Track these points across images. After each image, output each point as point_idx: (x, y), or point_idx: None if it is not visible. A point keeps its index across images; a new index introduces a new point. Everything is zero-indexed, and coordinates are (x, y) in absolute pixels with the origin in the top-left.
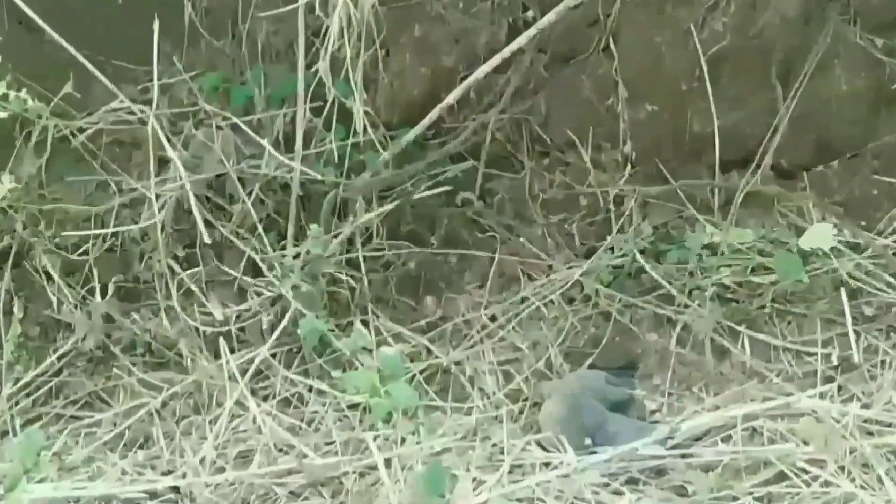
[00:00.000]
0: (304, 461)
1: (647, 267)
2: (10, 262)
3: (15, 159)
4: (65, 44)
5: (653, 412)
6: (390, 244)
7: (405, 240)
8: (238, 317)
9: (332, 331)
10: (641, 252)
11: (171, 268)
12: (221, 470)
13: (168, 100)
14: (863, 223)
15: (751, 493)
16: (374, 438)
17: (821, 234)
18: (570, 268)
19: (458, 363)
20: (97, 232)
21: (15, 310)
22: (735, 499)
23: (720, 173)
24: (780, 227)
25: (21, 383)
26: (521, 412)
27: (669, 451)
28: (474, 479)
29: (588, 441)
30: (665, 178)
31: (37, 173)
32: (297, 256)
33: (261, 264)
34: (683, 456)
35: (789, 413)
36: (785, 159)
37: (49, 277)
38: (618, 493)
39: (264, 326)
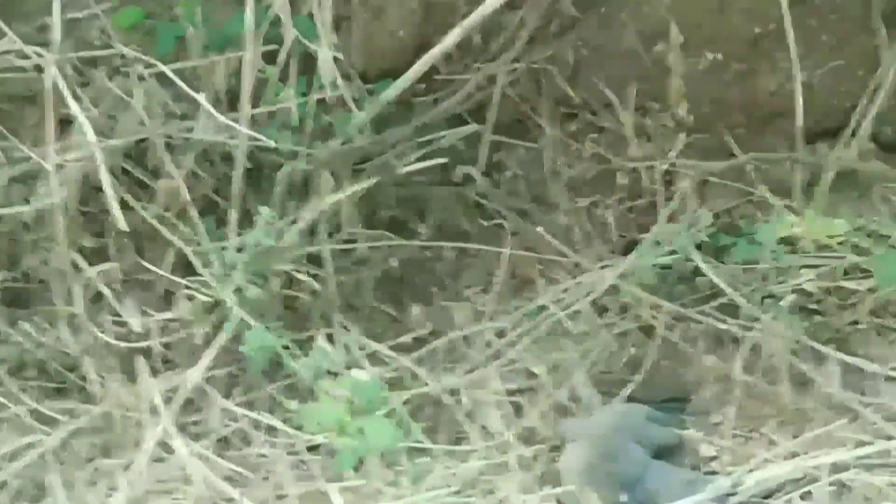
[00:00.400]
0: None
1: (705, 268)
2: None
3: None
4: None
5: (709, 460)
6: (366, 235)
7: (386, 229)
8: (163, 329)
9: (288, 348)
10: (698, 248)
11: (74, 263)
12: None
13: (73, 41)
14: None
15: None
16: (341, 492)
17: None
18: (602, 267)
19: (453, 392)
20: None
21: None
22: None
23: (803, 145)
24: (880, 217)
25: None
26: (535, 458)
27: None
28: None
29: (624, 497)
30: (730, 150)
31: None
32: (241, 249)
33: (193, 259)
34: None
35: (891, 463)
36: (890, 127)
37: None
38: None
39: (197, 342)
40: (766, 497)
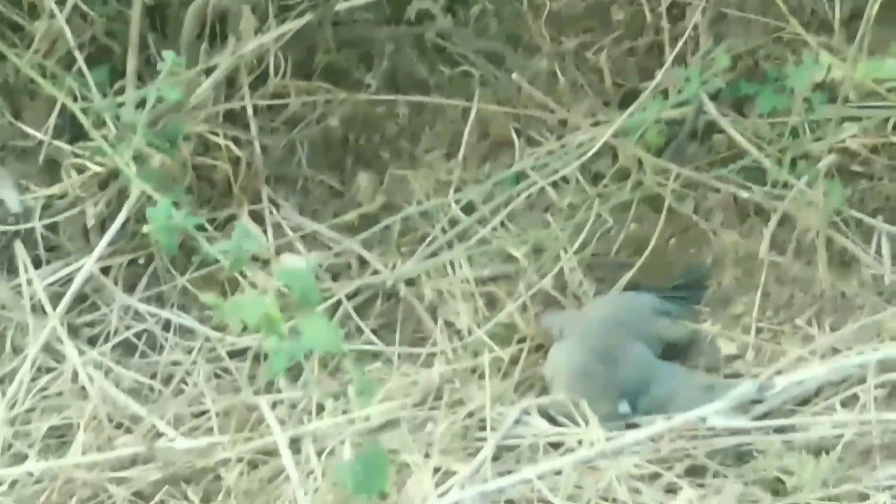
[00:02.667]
0: (158, 443)
1: (723, 122)
2: None
3: None
4: None
5: (730, 360)
6: (299, 87)
7: (324, 80)
8: (46, 207)
9: (203, 229)
10: (714, 98)
11: None
12: (22, 458)
13: None
14: None
15: (889, 489)
16: (273, 406)
17: None
18: (595, 124)
19: (410, 282)
20: None
21: None
22: (864, 497)
23: None
24: None
25: None
26: (514, 362)
27: (757, 421)
28: (437, 470)
29: (624, 407)
30: None
31: None
32: (142, 105)
33: (83, 119)
34: (779, 430)
35: None
36: None
37: None
38: (672, 489)
39: (90, 223)
40: (800, 404)
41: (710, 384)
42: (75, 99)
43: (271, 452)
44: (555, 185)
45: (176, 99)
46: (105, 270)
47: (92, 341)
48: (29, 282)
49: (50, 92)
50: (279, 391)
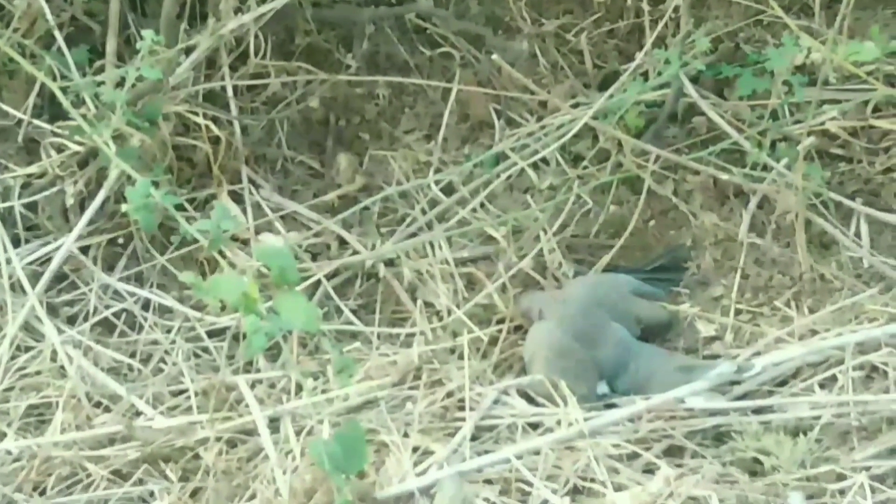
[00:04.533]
0: (137, 422)
1: (703, 104)
2: None
3: None
4: None
5: (709, 341)
6: (279, 67)
7: (304, 61)
8: (25, 186)
9: (182, 209)
10: (694, 80)
11: None
12: (1, 436)
13: None
14: None
15: (866, 469)
16: (252, 385)
17: None
18: (575, 106)
19: (390, 262)
20: None
21: None
22: (841, 477)
23: None
24: None
25: None
26: (493, 342)
27: (735, 402)
28: (416, 450)
29: (603, 387)
30: None
31: None
32: (121, 85)
33: (62, 98)
34: (757, 411)
35: None
36: None
37: None
38: (650, 469)
39: (69, 202)
40: (778, 385)
41: (688, 365)
42: (55, 78)
43: (250, 432)
44: (535, 166)
45: (155, 78)
46: (84, 250)
47: (71, 320)
48: (8, 261)
49: (29, 71)
50: (258, 371)
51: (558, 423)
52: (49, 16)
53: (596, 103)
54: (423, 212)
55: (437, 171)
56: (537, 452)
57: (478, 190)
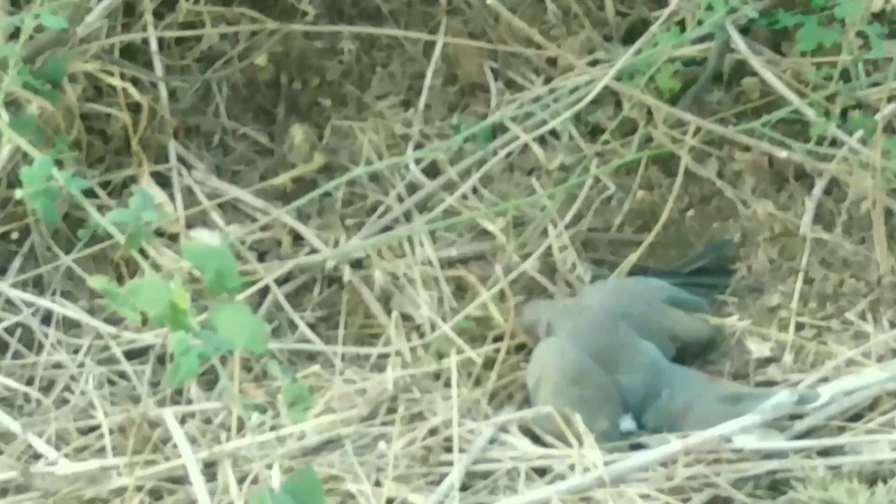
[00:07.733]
0: (36, 467)
1: (756, 61)
2: None
3: None
4: None
5: (763, 362)
6: (216, 14)
7: (250, 6)
8: None
9: (93, 195)
10: (744, 31)
11: None
12: None
13: None
14: None
15: None
16: (181, 420)
17: None
18: (593, 63)
19: (357, 263)
20: None
21: None
22: None
23: None
24: None
25: None
26: (488, 365)
27: (795, 441)
28: (390, 502)
29: (628, 423)
30: None
31: None
32: (15, 37)
33: None
34: (824, 452)
35: None
36: None
37: None
38: None
39: None
40: (851, 420)
41: (736, 394)
42: None
43: (179, 479)
44: (541, 140)
45: (59, 28)
46: None
47: None
48: None
49: None
50: (189, 402)
51: (571, 467)
52: None
53: (619, 60)
54: (400, 199)
55: (418, 146)
56: None
57: (469, 171)
